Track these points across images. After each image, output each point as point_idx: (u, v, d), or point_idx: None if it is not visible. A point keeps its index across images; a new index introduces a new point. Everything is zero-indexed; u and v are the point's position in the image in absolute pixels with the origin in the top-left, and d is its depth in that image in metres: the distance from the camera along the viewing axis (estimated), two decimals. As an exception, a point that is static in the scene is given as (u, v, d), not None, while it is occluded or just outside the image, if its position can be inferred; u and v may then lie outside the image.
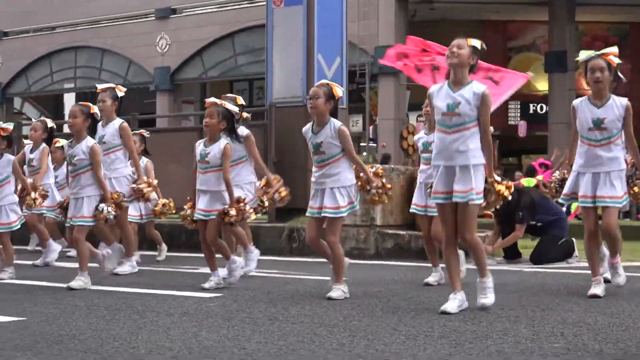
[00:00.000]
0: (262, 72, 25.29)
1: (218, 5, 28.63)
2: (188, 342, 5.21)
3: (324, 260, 7.67)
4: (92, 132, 8.47)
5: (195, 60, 28.89)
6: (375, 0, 26.58)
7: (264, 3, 14.27)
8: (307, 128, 7.37)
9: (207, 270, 8.17)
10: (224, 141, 7.87)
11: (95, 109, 8.51)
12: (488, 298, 6.51)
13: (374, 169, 7.62)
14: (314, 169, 7.34)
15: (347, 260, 7.55)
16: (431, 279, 8.31)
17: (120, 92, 9.43)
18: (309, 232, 7.47)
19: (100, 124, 9.14)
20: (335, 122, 7.25)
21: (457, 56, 6.40)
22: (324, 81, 7.52)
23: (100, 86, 9.55)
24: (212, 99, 8.02)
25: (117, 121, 9.30)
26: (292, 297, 7.23)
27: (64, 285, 8.09)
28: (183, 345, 5.13)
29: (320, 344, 5.15)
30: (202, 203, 7.93)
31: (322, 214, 7.21)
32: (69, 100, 36.59)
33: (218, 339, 5.33)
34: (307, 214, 7.40)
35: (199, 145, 7.97)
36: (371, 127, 28.83)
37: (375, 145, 28.64)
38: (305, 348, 5.02)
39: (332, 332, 5.57)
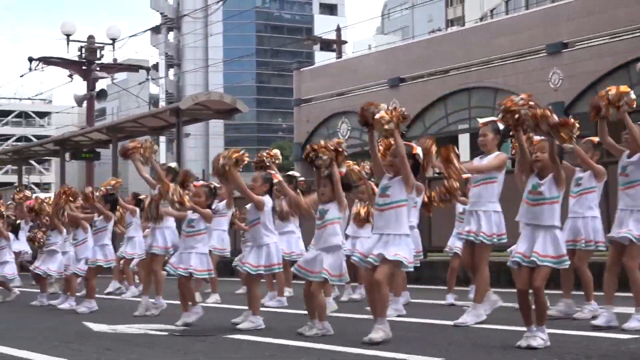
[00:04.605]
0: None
1: (612, 36, 27.93)
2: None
3: None
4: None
5: (590, 93, 28.35)
6: None
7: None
8: None
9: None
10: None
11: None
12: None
13: None
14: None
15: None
16: None
17: (502, 124, 8.69)
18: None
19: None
20: None
21: None
22: None
23: (481, 120, 9.29)
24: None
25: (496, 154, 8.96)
26: None
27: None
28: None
29: None
30: None
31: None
32: (464, 140, 37.38)
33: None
34: None
35: None
36: None
37: None
38: None
39: None
